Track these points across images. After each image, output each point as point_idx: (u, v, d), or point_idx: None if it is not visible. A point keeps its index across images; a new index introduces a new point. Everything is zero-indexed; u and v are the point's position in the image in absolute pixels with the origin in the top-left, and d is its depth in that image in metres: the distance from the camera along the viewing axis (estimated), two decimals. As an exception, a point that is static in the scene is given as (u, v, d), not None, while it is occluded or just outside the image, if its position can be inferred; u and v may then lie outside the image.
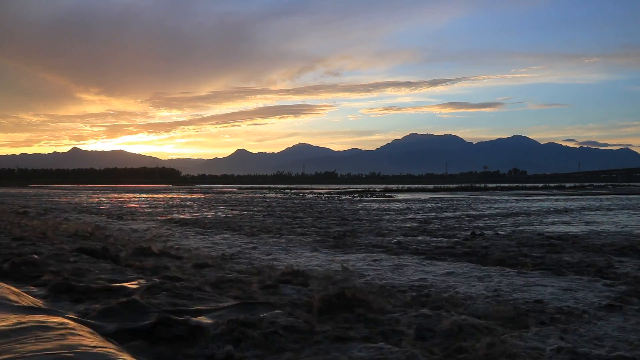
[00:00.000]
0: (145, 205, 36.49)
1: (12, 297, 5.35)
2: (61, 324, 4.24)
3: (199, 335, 4.76)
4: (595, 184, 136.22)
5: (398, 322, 5.70)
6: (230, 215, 25.36)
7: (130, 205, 37.46)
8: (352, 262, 10.64)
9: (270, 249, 12.70)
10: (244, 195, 59.32)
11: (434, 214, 26.46)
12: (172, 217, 24.59)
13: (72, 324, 4.40)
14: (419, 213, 26.93)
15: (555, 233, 16.42)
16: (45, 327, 4.01)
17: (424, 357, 4.56)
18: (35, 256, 9.34)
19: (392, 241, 14.06)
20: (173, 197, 53.57)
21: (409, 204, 37.66)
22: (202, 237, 15.70)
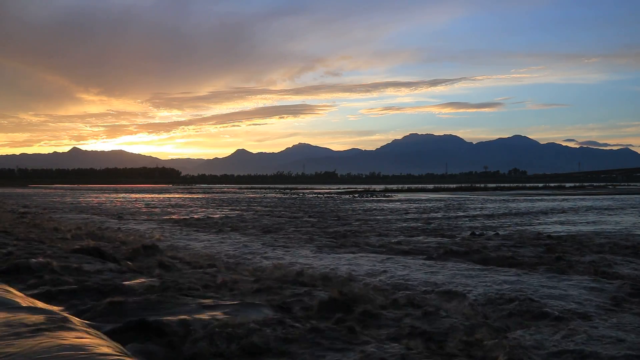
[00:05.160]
0: (145, 206, 36.48)
1: (12, 298, 5.35)
2: (60, 323, 4.23)
3: (192, 336, 4.75)
4: (595, 184, 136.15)
5: (394, 323, 5.69)
6: (231, 216, 25.36)
7: (130, 205, 37.44)
8: (352, 262, 10.63)
9: (270, 250, 12.68)
10: (244, 196, 59.33)
11: (434, 214, 26.46)
12: (171, 217, 24.58)
13: (71, 323, 4.40)
14: (419, 213, 26.92)
15: (556, 233, 16.42)
16: (45, 327, 4.00)
17: (419, 356, 4.56)
18: (34, 257, 9.34)
19: (393, 241, 14.05)
20: (173, 197, 53.56)
21: (409, 204, 37.66)
22: (201, 237, 15.69)
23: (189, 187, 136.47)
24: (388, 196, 54.05)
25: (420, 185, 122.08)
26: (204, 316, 5.36)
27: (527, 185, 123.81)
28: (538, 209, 30.58)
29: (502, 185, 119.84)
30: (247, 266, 10.06)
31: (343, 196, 53.63)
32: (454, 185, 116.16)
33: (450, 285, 8.09)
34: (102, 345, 3.67)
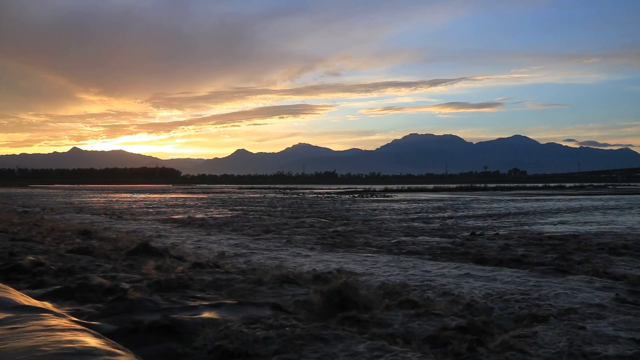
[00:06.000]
0: (145, 205, 36.47)
1: (11, 297, 5.34)
2: (59, 323, 4.22)
3: (194, 335, 4.74)
4: (595, 184, 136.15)
5: (392, 323, 5.67)
6: (231, 216, 25.35)
7: (130, 205, 37.44)
8: (352, 262, 10.62)
9: (271, 249, 12.68)
10: (244, 196, 59.33)
11: (434, 214, 26.45)
12: (171, 217, 24.57)
13: (70, 323, 4.38)
14: (419, 213, 26.91)
15: (555, 233, 16.41)
16: (44, 326, 3.99)
17: (415, 356, 4.55)
18: (35, 256, 9.32)
19: (392, 241, 14.04)
20: (173, 197, 53.56)
21: (409, 204, 37.65)
22: (201, 237, 15.68)
23: (189, 187, 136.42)
24: (388, 196, 54.04)
25: (420, 186, 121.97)
26: (207, 316, 5.34)
27: (527, 185, 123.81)
28: (538, 209, 30.57)
29: (502, 185, 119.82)
30: (247, 266, 10.04)
31: (343, 196, 53.62)
32: (454, 186, 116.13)
33: (450, 285, 8.07)
34: (101, 344, 3.66)
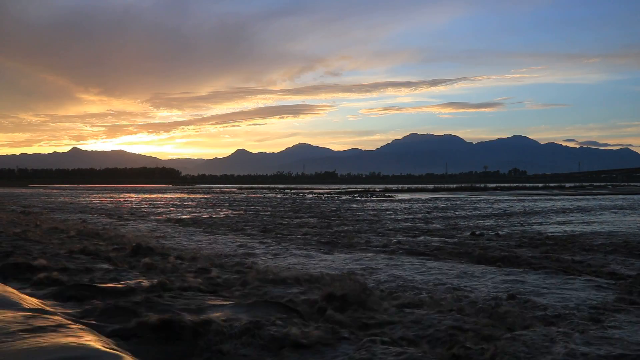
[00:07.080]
0: (145, 205, 36.46)
1: (13, 298, 5.34)
2: (60, 323, 4.23)
3: (197, 336, 4.74)
4: (595, 184, 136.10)
5: (392, 323, 5.68)
6: (231, 216, 25.35)
7: (130, 205, 37.43)
8: (353, 262, 10.63)
9: (273, 250, 12.68)
10: (244, 196, 59.31)
11: (434, 214, 26.44)
12: (172, 217, 24.56)
13: (71, 323, 4.39)
14: (419, 213, 26.91)
15: (555, 233, 16.41)
16: (44, 327, 4.00)
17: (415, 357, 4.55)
18: (35, 256, 9.33)
19: (392, 241, 14.05)
20: (173, 197, 53.55)
21: (409, 204, 37.65)
22: (201, 237, 15.68)
23: (189, 187, 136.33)
24: (388, 196, 54.03)
25: (420, 186, 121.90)
26: (210, 316, 5.34)
27: (527, 185, 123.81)
28: (538, 209, 30.57)
29: (502, 185, 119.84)
30: (249, 267, 10.04)
31: (343, 196, 53.60)
32: (454, 186, 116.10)
33: (451, 285, 8.08)
34: (102, 345, 3.67)
